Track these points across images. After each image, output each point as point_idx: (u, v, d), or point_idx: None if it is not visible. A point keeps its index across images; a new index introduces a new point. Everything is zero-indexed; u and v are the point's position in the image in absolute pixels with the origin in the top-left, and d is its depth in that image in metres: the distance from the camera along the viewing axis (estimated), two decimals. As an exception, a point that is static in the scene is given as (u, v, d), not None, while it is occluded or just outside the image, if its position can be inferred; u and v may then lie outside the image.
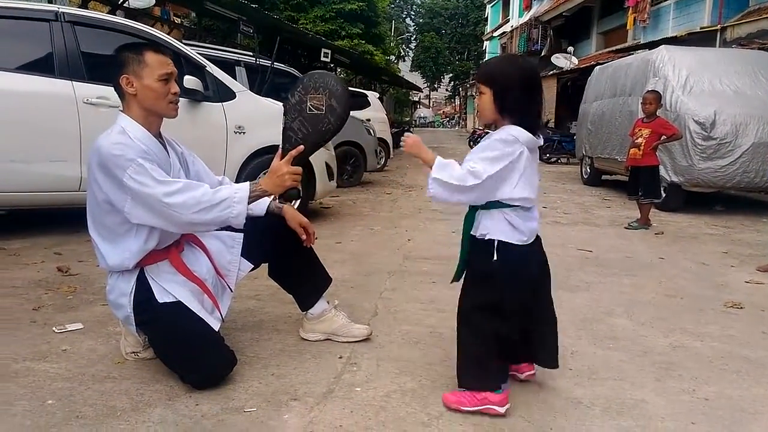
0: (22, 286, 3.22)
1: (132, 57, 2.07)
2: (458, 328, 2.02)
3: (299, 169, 2.14)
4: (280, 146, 2.19)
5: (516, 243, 1.90)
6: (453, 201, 1.91)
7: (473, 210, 1.98)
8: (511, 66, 1.94)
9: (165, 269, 2.13)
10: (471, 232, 1.98)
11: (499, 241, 1.89)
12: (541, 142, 1.95)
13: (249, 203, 2.06)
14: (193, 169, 2.33)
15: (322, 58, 12.87)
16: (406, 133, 2.05)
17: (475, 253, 1.96)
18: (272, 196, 2.26)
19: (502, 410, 1.94)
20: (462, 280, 2.04)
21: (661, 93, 6.29)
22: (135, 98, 2.08)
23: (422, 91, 52.91)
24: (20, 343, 2.42)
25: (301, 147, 2.15)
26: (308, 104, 2.17)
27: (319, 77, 2.20)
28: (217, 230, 2.34)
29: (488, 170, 1.84)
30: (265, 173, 2.22)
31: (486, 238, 1.91)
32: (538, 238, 2.02)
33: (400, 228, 5.45)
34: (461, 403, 1.96)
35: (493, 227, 1.91)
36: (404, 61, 47.69)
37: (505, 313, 1.92)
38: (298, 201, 5.17)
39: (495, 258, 1.89)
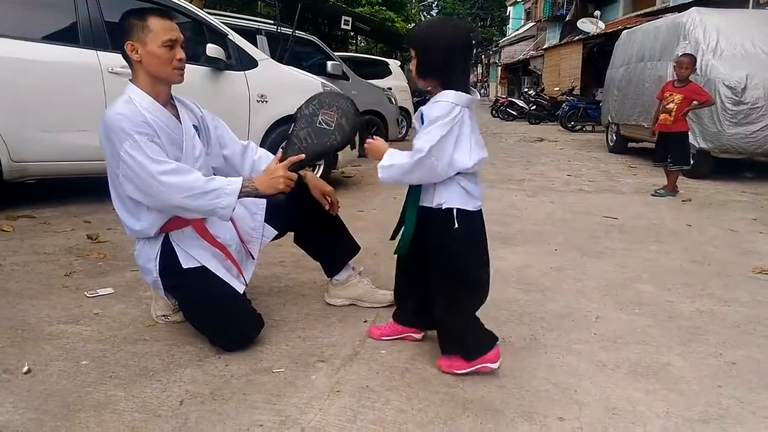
0: (54, 252, 3.30)
1: (136, 23, 2.05)
2: (436, 310, 2.00)
3: (294, 175, 2.15)
4: (282, 150, 2.21)
5: (472, 209, 1.90)
6: (409, 179, 1.90)
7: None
8: (434, 28, 1.93)
9: (189, 235, 2.16)
10: (422, 203, 1.94)
11: (457, 209, 1.88)
12: (478, 97, 1.91)
13: (239, 197, 2.04)
14: (216, 134, 2.33)
15: (343, 26, 12.77)
16: (370, 139, 2.03)
17: (434, 225, 1.93)
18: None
19: (495, 366, 1.97)
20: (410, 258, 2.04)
21: (693, 57, 6.11)
22: (140, 65, 2.07)
23: (444, 60, 52.06)
24: (54, 307, 2.49)
25: (302, 155, 2.18)
26: (320, 118, 2.22)
27: (335, 97, 2.28)
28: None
29: (429, 142, 1.80)
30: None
31: (444, 208, 1.88)
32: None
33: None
34: (456, 367, 1.97)
35: (449, 195, 1.88)
36: (426, 28, 46.91)
37: (473, 280, 1.95)
38: (321, 169, 5.20)
39: (456, 226, 1.87)
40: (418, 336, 2.22)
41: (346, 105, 2.25)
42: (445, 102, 1.82)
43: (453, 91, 1.83)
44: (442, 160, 1.83)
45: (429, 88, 1.93)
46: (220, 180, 2.05)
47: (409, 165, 1.84)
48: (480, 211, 1.95)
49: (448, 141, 1.82)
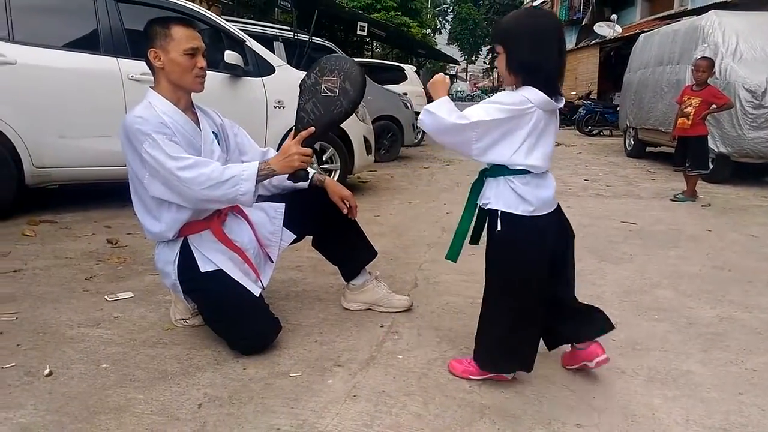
0: (75, 257, 3.34)
1: (159, 31, 2.10)
2: (482, 306, 1.98)
3: (309, 150, 2.12)
4: (294, 127, 2.17)
5: (521, 214, 1.78)
6: (441, 139, 1.80)
7: (481, 178, 1.88)
8: (520, 19, 1.80)
9: (207, 238, 2.18)
10: (477, 201, 1.88)
11: (502, 211, 1.79)
12: (560, 105, 1.78)
13: (257, 181, 2.05)
14: (235, 141, 2.37)
15: (359, 32, 12.81)
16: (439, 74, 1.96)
17: (484, 224, 1.88)
18: (313, 171, 2.29)
19: (509, 376, 1.95)
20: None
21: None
22: (162, 72, 2.12)
23: (459, 64, 52.18)
24: (75, 311, 2.52)
25: (312, 129, 2.12)
26: (323, 86, 2.14)
27: (335, 60, 2.17)
28: (260, 201, 2.37)
29: (480, 116, 1.72)
30: None
31: (487, 208, 1.83)
32: (558, 208, 1.88)
33: (438, 201, 5.43)
34: (470, 372, 1.97)
35: (495, 196, 1.81)
36: (441, 33, 47.00)
37: (520, 291, 1.83)
38: (337, 173, 5.22)
39: (498, 228, 1.79)
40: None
41: (348, 66, 2.15)
42: (518, 94, 1.74)
43: (533, 89, 1.73)
44: (482, 141, 1.75)
45: (514, 86, 1.80)
46: (235, 167, 2.07)
47: (449, 124, 1.75)
48: (536, 218, 1.79)
49: (499, 127, 1.73)
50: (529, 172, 1.79)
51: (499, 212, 1.80)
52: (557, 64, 1.76)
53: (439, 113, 1.76)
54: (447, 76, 1.95)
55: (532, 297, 1.85)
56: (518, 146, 1.76)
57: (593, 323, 1.97)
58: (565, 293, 1.96)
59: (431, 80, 1.91)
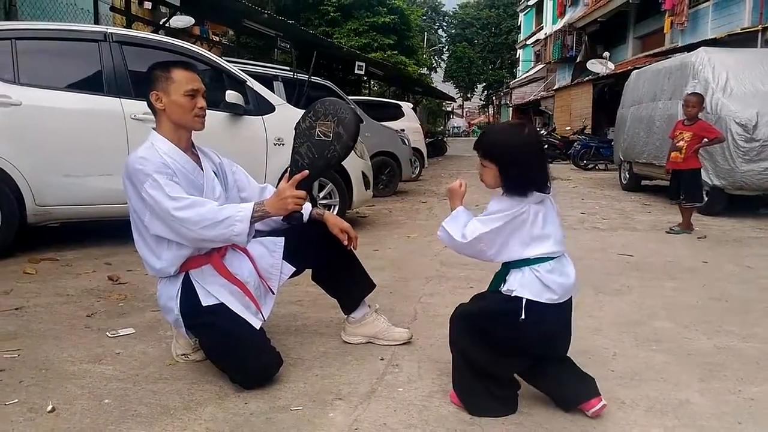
0: (76, 294, 3.36)
1: (160, 74, 2.20)
2: (453, 347, 2.03)
3: (303, 193, 2.17)
4: (288, 169, 2.23)
5: (545, 302, 1.86)
6: (459, 253, 1.99)
7: (504, 268, 1.95)
8: (510, 138, 1.89)
9: (208, 273, 2.22)
10: (499, 288, 1.95)
11: (527, 300, 1.85)
12: (549, 192, 1.90)
13: (252, 222, 2.10)
14: (233, 178, 2.44)
15: (357, 71, 13.05)
16: (458, 180, 2.07)
17: (502, 305, 1.91)
18: (311, 208, 2.34)
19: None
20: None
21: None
22: (164, 113, 2.20)
23: (455, 101, 52.94)
24: (76, 347, 2.53)
25: (306, 172, 2.18)
26: (317, 130, 2.19)
27: (330, 104, 2.22)
28: (259, 236, 2.41)
29: (480, 229, 1.87)
30: None
31: (513, 295, 1.87)
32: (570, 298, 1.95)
33: (436, 235, 5.46)
34: None
35: (521, 285, 1.87)
36: (436, 71, 47.79)
37: (511, 353, 1.94)
38: (336, 208, 5.27)
39: (523, 317, 1.84)
40: None
41: (343, 112, 2.19)
42: (508, 199, 1.88)
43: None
44: (492, 248, 1.89)
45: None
46: (230, 208, 2.12)
47: (459, 243, 1.92)
48: (556, 305, 1.88)
49: (501, 233, 1.86)
50: (551, 258, 1.88)
51: (524, 300, 1.85)
52: (538, 171, 1.87)
53: (452, 231, 1.94)
54: (464, 183, 2.06)
55: (520, 359, 1.97)
56: (528, 241, 1.87)
57: (590, 383, 1.99)
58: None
59: (448, 187, 2.06)
